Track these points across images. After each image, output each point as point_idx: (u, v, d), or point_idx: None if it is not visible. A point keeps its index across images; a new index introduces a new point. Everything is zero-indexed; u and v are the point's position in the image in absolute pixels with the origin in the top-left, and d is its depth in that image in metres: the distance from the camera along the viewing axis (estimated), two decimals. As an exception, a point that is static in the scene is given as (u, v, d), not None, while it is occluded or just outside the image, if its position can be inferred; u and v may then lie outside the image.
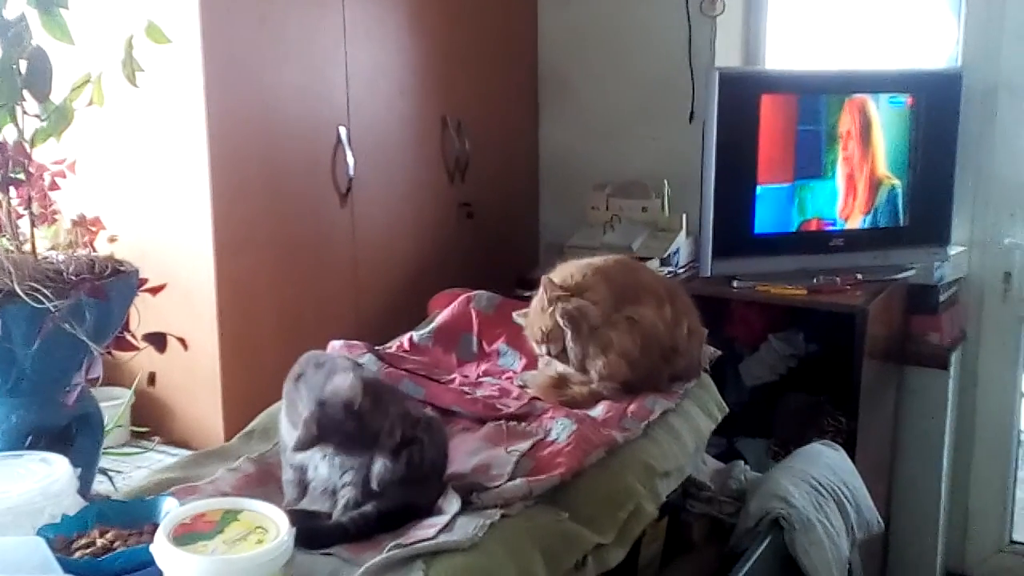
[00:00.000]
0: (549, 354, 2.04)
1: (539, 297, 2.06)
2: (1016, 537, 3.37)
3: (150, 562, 1.25)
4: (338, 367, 1.60)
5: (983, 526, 3.36)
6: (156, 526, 1.33)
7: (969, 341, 3.26)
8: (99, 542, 1.34)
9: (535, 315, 2.05)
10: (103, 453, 2.33)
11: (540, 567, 1.52)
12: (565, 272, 2.08)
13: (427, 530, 1.50)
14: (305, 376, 1.59)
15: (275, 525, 1.30)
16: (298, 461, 1.59)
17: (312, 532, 1.49)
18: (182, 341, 1.87)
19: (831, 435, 2.78)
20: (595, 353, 2.00)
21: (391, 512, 1.54)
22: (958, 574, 3.41)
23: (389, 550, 1.44)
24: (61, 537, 1.37)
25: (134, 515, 1.43)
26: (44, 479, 1.47)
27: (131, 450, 2.49)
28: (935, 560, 3.31)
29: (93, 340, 1.75)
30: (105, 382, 2.51)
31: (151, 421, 2.59)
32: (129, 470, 2.38)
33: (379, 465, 1.52)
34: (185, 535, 1.27)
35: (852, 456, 2.51)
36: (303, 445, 1.50)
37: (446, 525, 1.52)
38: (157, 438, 2.56)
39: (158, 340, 1.85)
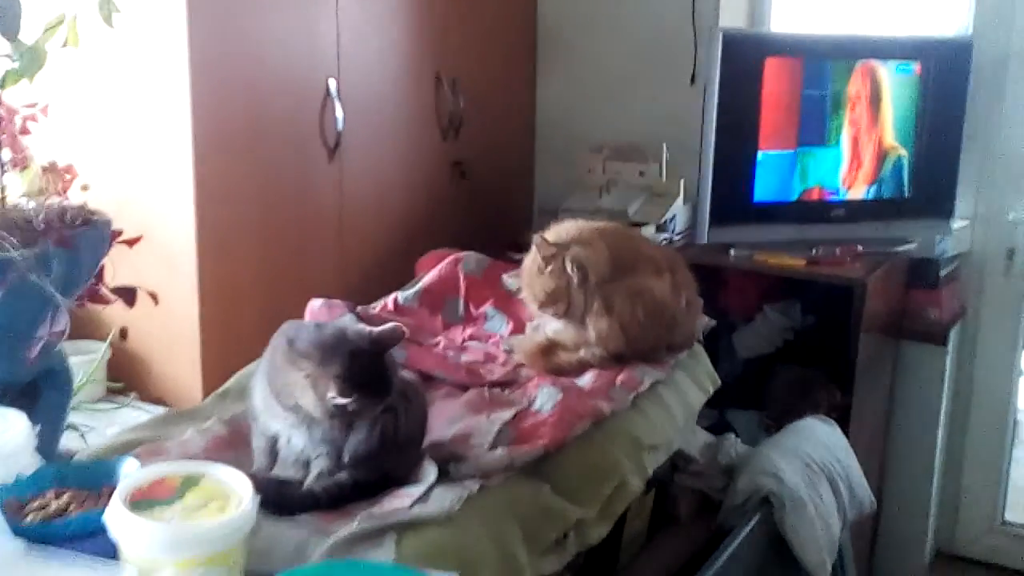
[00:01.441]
0: (556, 316, 1.95)
1: (532, 258, 1.98)
2: (1008, 517, 3.32)
3: (104, 528, 1.18)
4: (349, 323, 1.52)
5: (975, 505, 3.31)
6: (114, 489, 1.26)
7: (969, 317, 3.20)
8: (53, 505, 1.28)
9: (532, 277, 1.97)
10: (75, 409, 2.27)
11: (519, 543, 1.46)
12: (560, 230, 2.00)
13: (402, 499, 1.44)
14: (302, 336, 1.49)
15: (238, 493, 1.23)
16: (272, 431, 1.52)
17: (281, 498, 1.43)
18: (153, 296, 1.80)
19: (825, 409, 2.71)
20: (599, 310, 1.92)
21: (366, 482, 1.48)
22: (948, 553, 3.36)
23: (360, 522, 1.37)
24: (13, 499, 1.30)
25: (93, 477, 1.36)
26: (-1, 437, 1.40)
27: (105, 406, 2.42)
28: (925, 539, 3.26)
29: (60, 292, 1.68)
30: (80, 335, 2.46)
31: (127, 376, 2.52)
32: (102, 426, 2.31)
33: (353, 440, 1.45)
34: (142, 501, 1.20)
35: (846, 432, 2.45)
36: (345, 394, 1.41)
37: (422, 496, 1.45)
38: (133, 394, 2.49)
39: (128, 294, 1.78)
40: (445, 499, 1.44)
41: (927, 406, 3.16)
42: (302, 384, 1.42)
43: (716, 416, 2.83)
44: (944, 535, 3.35)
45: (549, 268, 1.95)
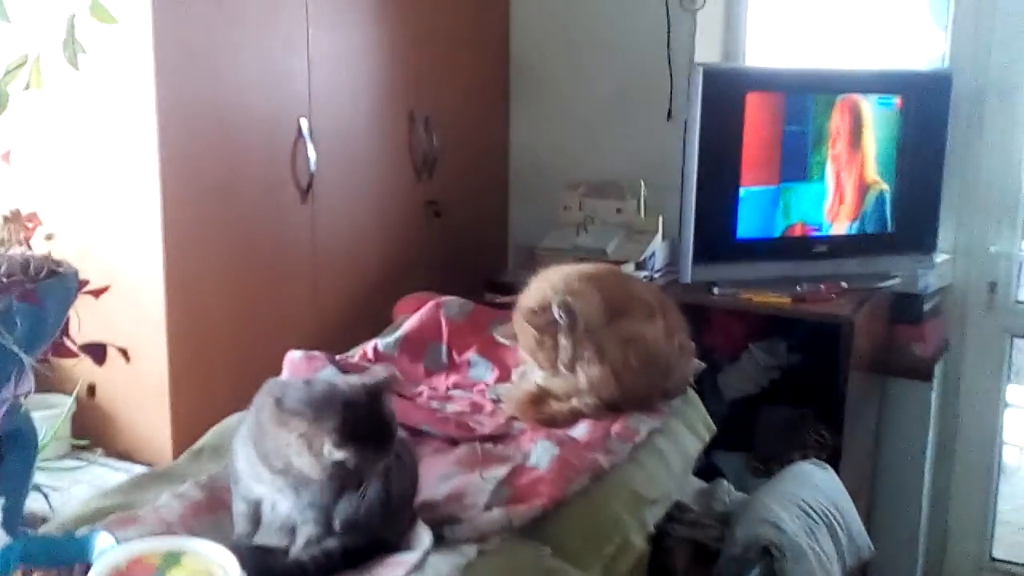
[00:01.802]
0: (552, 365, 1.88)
1: (526, 303, 1.90)
2: (997, 555, 3.27)
3: (76, 615, 1.08)
4: (335, 375, 1.43)
5: (964, 543, 3.26)
6: (88, 567, 1.17)
7: (952, 352, 3.16)
8: (21, 588, 1.18)
9: (520, 323, 1.90)
10: (39, 468, 2.16)
11: (522, 612, 1.37)
12: (546, 282, 1.92)
13: (395, 569, 1.35)
14: (289, 396, 1.38)
15: (223, 570, 1.14)
16: (255, 495, 1.42)
17: (268, 571, 1.33)
18: (123, 352, 1.70)
19: (815, 450, 2.66)
20: (590, 358, 1.85)
21: (356, 548, 1.38)
22: (937, 590, 3.31)
23: (352, 596, 1.28)
24: (-23, 581, 1.20)
25: (64, 553, 1.26)
26: (-40, 513, 1.29)
27: (70, 463, 2.31)
28: (915, 575, 3.20)
29: (25, 350, 1.58)
30: (43, 388, 2.34)
31: (93, 431, 2.41)
32: (68, 486, 2.21)
33: (343, 504, 1.36)
34: (119, 584, 1.10)
35: (837, 472, 2.38)
36: (344, 447, 1.32)
37: (417, 564, 1.36)
38: (99, 450, 2.38)
39: (97, 351, 1.68)
40: (442, 568, 1.35)
41: (913, 443, 3.11)
42: (296, 445, 1.33)
43: (703, 459, 2.74)
44: (932, 573, 3.29)
45: (537, 321, 1.88)
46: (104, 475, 2.27)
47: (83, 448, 2.37)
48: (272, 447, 1.36)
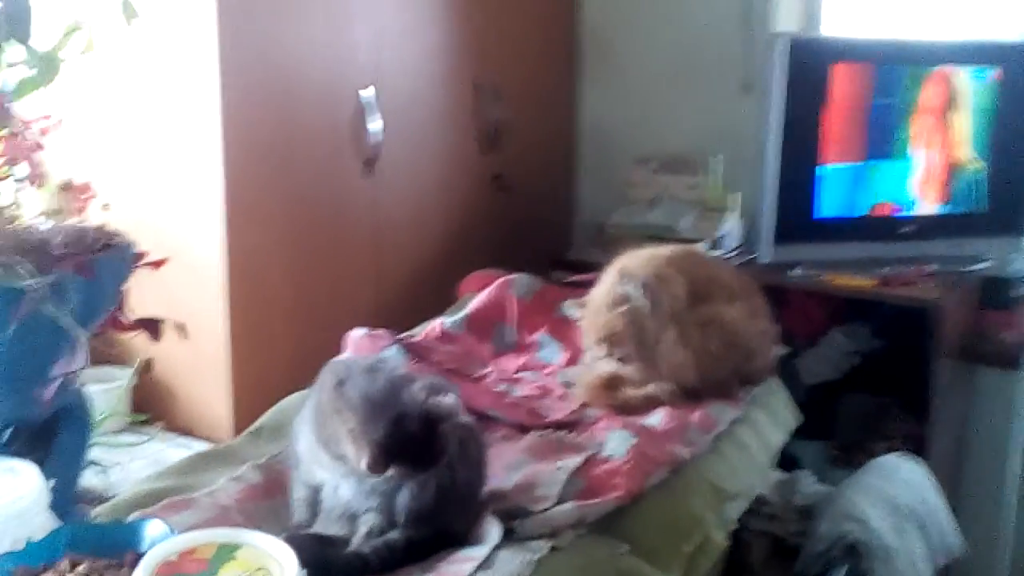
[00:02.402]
0: (609, 356, 1.78)
1: (607, 290, 1.80)
2: (1085, 554, 3.11)
3: (125, 609, 1.01)
4: (404, 377, 1.34)
5: (1051, 540, 3.10)
6: (138, 556, 1.10)
7: (1044, 340, 2.99)
8: (68, 578, 1.11)
9: (598, 311, 1.80)
10: (96, 443, 2.11)
11: (596, 614, 1.28)
12: (635, 260, 1.82)
13: (462, 565, 1.27)
14: (352, 381, 1.32)
15: (280, 566, 1.06)
16: (317, 480, 1.34)
17: (327, 564, 1.25)
18: (180, 328, 1.63)
19: (899, 441, 2.54)
20: (672, 344, 1.75)
21: (421, 541, 1.30)
22: (1022, 589, 3.16)
23: (418, 593, 1.20)
24: (24, 569, 1.13)
25: (113, 541, 1.18)
26: (7, 495, 1.23)
27: (129, 438, 2.25)
28: (1000, 574, 3.05)
29: (79, 324, 1.52)
30: (102, 362, 2.30)
31: (151, 404, 2.36)
32: (126, 461, 2.15)
33: (404, 494, 1.27)
34: (170, 578, 1.03)
35: (922, 466, 2.26)
36: (377, 469, 1.25)
37: (485, 560, 1.27)
38: (159, 424, 2.33)
39: (152, 326, 1.62)
40: (512, 564, 1.27)
41: (1000, 435, 2.95)
42: (346, 437, 1.25)
43: (779, 447, 2.64)
44: (1019, 569, 3.14)
45: (621, 308, 1.78)
46: (163, 450, 2.22)
47: (142, 423, 2.32)
48: (330, 433, 1.28)
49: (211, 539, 1.10)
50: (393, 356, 1.74)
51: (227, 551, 1.08)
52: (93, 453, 2.06)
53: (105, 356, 2.30)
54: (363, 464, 1.23)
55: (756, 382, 1.85)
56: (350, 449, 1.26)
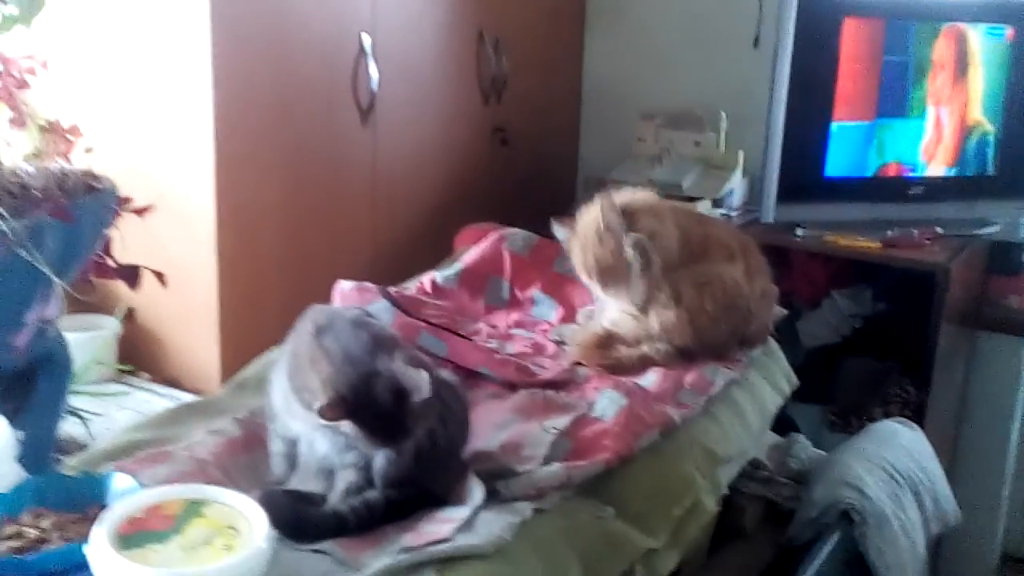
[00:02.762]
0: (604, 292, 1.73)
1: (593, 218, 1.75)
2: (1084, 521, 3.09)
3: (85, 564, 0.98)
4: (389, 339, 1.29)
5: (1049, 508, 3.08)
6: (105, 510, 1.06)
7: (1050, 307, 2.94)
8: (31, 532, 1.07)
9: (588, 241, 1.74)
10: (80, 393, 2.08)
11: (579, 578, 1.24)
12: (631, 196, 1.77)
13: (442, 526, 1.23)
14: (334, 331, 1.28)
15: (249, 524, 1.03)
16: (292, 433, 1.30)
17: (302, 522, 1.22)
18: (159, 275, 1.59)
19: (898, 406, 2.50)
20: (666, 300, 1.70)
21: (402, 501, 1.26)
22: (1015, 557, 3.14)
23: (397, 553, 1.16)
24: (-14, 521, 1.10)
25: (79, 494, 1.16)
26: (-28, 445, 1.20)
27: (115, 388, 2.22)
28: (994, 542, 3.03)
29: (56, 269, 1.48)
30: (88, 309, 2.26)
31: (139, 354, 2.32)
32: (111, 411, 2.12)
33: (380, 457, 1.23)
34: (133, 534, 1.00)
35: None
36: (329, 415, 1.21)
37: (466, 521, 1.24)
38: (145, 375, 2.29)
39: (130, 274, 1.57)
40: (494, 526, 1.23)
41: (1002, 402, 2.92)
42: (318, 385, 1.21)
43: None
44: (1014, 537, 3.12)
45: (612, 242, 1.72)
46: (149, 401, 2.19)
47: (128, 373, 2.28)
48: (305, 380, 1.24)
49: (179, 495, 1.06)
50: (381, 309, 1.69)
51: (195, 508, 1.04)
52: (77, 403, 2.04)
53: (90, 305, 2.26)
54: (316, 405, 1.18)
55: (754, 344, 1.81)
56: (286, 428, 1.22)
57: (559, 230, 1.83)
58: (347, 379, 1.20)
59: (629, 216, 1.73)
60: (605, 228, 1.72)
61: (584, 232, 1.77)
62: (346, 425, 1.19)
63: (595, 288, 1.78)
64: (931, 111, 2.60)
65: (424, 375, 1.19)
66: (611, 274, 1.74)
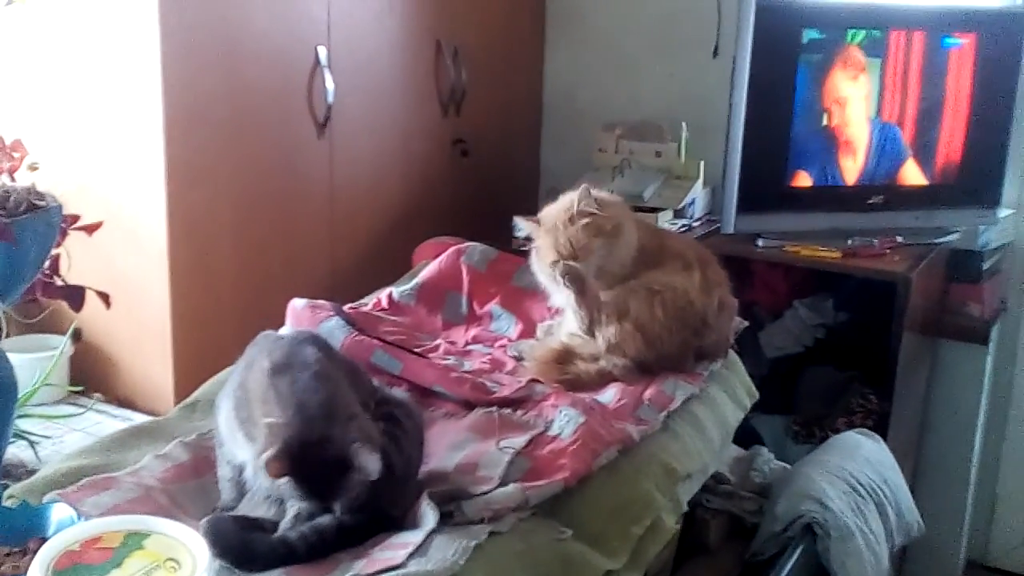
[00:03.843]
0: (567, 282, 1.71)
1: (565, 205, 1.73)
2: (1046, 528, 3.10)
3: (22, 603, 0.94)
4: (351, 412, 1.25)
5: (1011, 514, 3.09)
6: (44, 542, 1.02)
7: (1010, 314, 2.96)
8: (-36, 568, 1.03)
9: (558, 225, 1.73)
10: (29, 416, 2.04)
11: (536, 603, 1.22)
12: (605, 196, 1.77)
13: (395, 552, 1.19)
14: (291, 374, 1.25)
15: (191, 556, 0.99)
16: (239, 460, 1.27)
17: (248, 551, 1.18)
18: (104, 297, 1.55)
19: (860, 416, 2.49)
20: (607, 319, 1.69)
21: (354, 527, 1.23)
22: (981, 564, 3.15)
23: (345, 581, 1.13)
24: (-83, 556, 1.06)
25: (18, 526, 1.12)
26: (-95, 475, 1.15)
27: (66, 410, 2.17)
28: (959, 549, 3.04)
29: (-2, 291, 1.44)
30: (39, 329, 2.21)
31: (91, 374, 2.27)
32: (62, 434, 2.07)
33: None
34: (70, 568, 0.96)
35: (884, 440, 2.21)
36: (272, 469, 1.18)
37: (420, 546, 1.21)
38: (97, 395, 2.24)
39: (74, 295, 1.53)
40: (447, 551, 1.20)
41: (964, 409, 2.93)
42: (263, 426, 1.18)
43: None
44: (977, 545, 3.13)
45: (583, 222, 1.71)
46: (101, 422, 2.14)
47: (80, 394, 2.23)
48: (252, 414, 1.20)
49: (119, 526, 1.02)
50: (334, 327, 1.66)
51: (135, 540, 1.01)
52: (26, 426, 1.99)
53: (42, 324, 2.21)
54: (262, 458, 1.15)
55: (714, 357, 1.79)
56: (262, 438, 1.18)
57: (522, 225, 1.81)
58: (298, 435, 1.17)
59: (601, 205, 1.71)
60: (580, 215, 1.70)
61: (552, 216, 1.76)
62: (285, 480, 1.17)
63: (556, 287, 1.76)
64: (889, 119, 2.60)
65: (376, 459, 1.16)
66: (581, 254, 1.72)
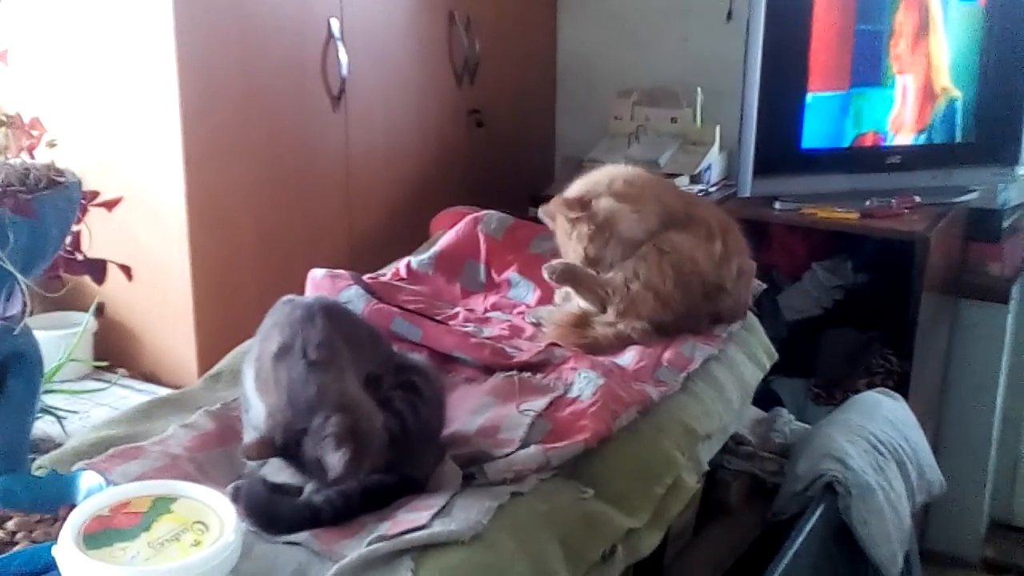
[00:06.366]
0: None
1: (559, 222, 1.75)
2: (1070, 487, 3.09)
3: (54, 565, 0.96)
4: (333, 405, 1.25)
5: (1035, 474, 3.08)
6: (73, 509, 1.04)
7: (1030, 272, 2.94)
8: (-3, 534, 1.05)
9: (564, 243, 1.77)
10: (55, 391, 2.06)
11: (559, 561, 1.23)
12: (597, 178, 1.76)
13: (419, 514, 1.21)
14: (289, 361, 1.27)
15: (218, 519, 1.01)
16: (266, 428, 1.28)
17: (274, 513, 1.20)
18: (125, 269, 1.56)
19: (881, 377, 2.49)
20: (616, 292, 1.70)
21: (378, 490, 1.25)
22: (1005, 523, 3.14)
23: (370, 542, 1.15)
24: (-48, 525, 1.08)
25: (49, 494, 1.14)
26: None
27: (92, 385, 2.19)
28: (982, 508, 3.03)
29: (21, 266, 1.45)
30: (63, 306, 2.23)
31: (115, 350, 2.30)
32: (88, 409, 2.10)
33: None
34: (100, 533, 0.98)
35: (905, 400, 2.21)
36: (251, 453, 1.24)
37: (443, 508, 1.22)
38: (121, 370, 2.27)
39: (96, 268, 1.55)
40: (470, 512, 1.21)
41: (986, 368, 2.92)
42: (263, 404, 1.23)
43: (759, 384, 2.59)
44: (1001, 505, 3.13)
45: (576, 231, 1.72)
46: (127, 397, 2.16)
47: (104, 369, 2.26)
48: (265, 384, 1.24)
49: (147, 491, 1.04)
50: (353, 296, 1.67)
51: (163, 504, 1.02)
52: (52, 401, 2.01)
53: (64, 301, 2.23)
54: (244, 441, 1.22)
55: (730, 320, 1.79)
56: (259, 416, 1.23)
57: (544, 216, 1.83)
58: (280, 426, 1.22)
59: (585, 206, 1.72)
60: (570, 224, 1.73)
61: (559, 235, 1.79)
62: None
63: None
64: (905, 78, 2.58)
65: (338, 457, 1.18)
66: (594, 262, 1.74)
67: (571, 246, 1.74)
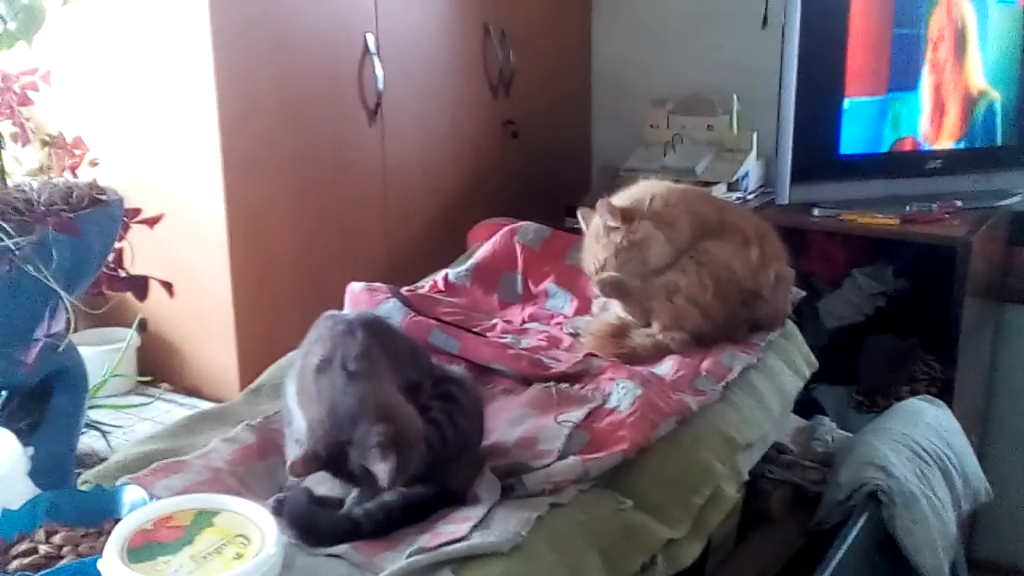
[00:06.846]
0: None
1: (596, 220, 1.74)
2: (1119, 495, 3.03)
3: (101, 580, 0.97)
4: (377, 415, 1.25)
5: (1083, 482, 3.03)
6: (118, 523, 1.05)
7: (1076, 276, 2.90)
8: (43, 548, 1.07)
9: (591, 241, 1.75)
10: (99, 406, 2.09)
11: (598, 572, 1.23)
12: (638, 194, 1.75)
13: (458, 526, 1.21)
14: (331, 375, 1.28)
15: (260, 532, 1.02)
16: (308, 441, 1.29)
17: (316, 526, 1.21)
18: (167, 285, 1.58)
19: (924, 384, 2.46)
20: (659, 305, 1.69)
21: (418, 502, 1.25)
22: (1053, 531, 3.09)
23: (410, 555, 1.15)
24: (-2, 539, 1.10)
25: (93, 508, 1.15)
26: (-18, 463, 1.19)
27: (135, 400, 2.23)
28: (1028, 519, 2.99)
29: (65, 283, 1.48)
30: (106, 322, 2.27)
31: (158, 365, 2.33)
32: (132, 423, 2.13)
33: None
34: (144, 547, 0.99)
35: (949, 408, 2.18)
36: (297, 470, 1.24)
37: (482, 519, 1.23)
38: (164, 385, 2.30)
39: (139, 285, 1.57)
40: (509, 523, 1.21)
41: (1031, 375, 2.88)
42: (304, 419, 1.24)
43: (801, 393, 2.57)
44: (1049, 515, 3.08)
45: (608, 239, 1.72)
46: (170, 411, 2.19)
47: (147, 384, 2.29)
48: (307, 397, 1.24)
49: (189, 505, 1.05)
50: (392, 309, 1.68)
51: (205, 518, 1.03)
52: (97, 416, 2.05)
53: (108, 318, 2.26)
54: (290, 458, 1.22)
55: (769, 327, 1.78)
56: (301, 429, 1.24)
57: (582, 220, 1.83)
58: (324, 440, 1.22)
59: (628, 219, 1.71)
60: (605, 230, 1.71)
61: (589, 233, 1.78)
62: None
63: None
64: (943, 82, 2.56)
65: (385, 467, 1.18)
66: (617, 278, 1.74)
67: (596, 249, 1.73)
